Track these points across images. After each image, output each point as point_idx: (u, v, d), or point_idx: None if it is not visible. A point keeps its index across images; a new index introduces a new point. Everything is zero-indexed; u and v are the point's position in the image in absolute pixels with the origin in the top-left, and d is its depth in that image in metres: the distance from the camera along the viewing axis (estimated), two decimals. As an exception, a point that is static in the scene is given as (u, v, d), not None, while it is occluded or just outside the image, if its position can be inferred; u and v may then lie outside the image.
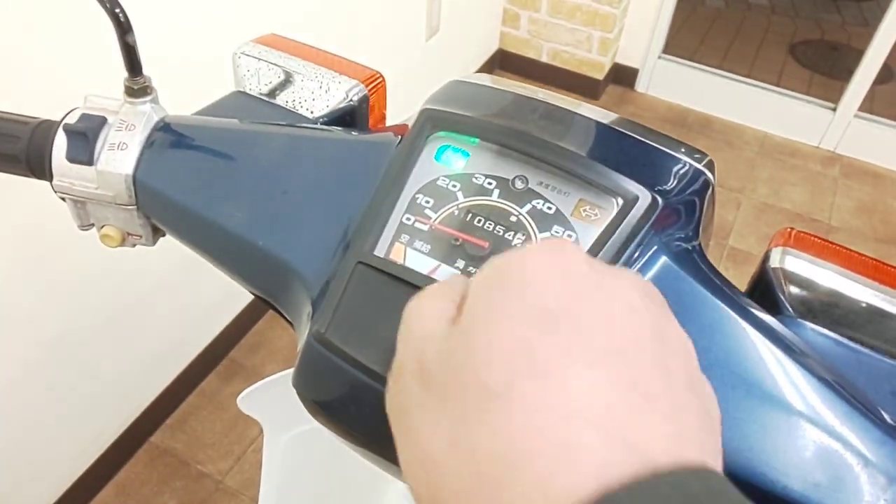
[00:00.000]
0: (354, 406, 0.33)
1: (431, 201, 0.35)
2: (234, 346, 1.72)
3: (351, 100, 0.43)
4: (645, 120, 2.52)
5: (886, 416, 0.31)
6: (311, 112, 0.43)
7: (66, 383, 1.26)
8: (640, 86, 2.60)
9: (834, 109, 2.40)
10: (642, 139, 0.37)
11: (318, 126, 0.42)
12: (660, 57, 2.54)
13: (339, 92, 0.43)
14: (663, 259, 0.33)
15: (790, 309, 0.34)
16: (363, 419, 0.33)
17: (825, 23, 3.16)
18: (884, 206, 2.27)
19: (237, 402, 0.55)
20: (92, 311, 1.24)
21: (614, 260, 0.32)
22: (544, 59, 2.51)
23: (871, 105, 2.41)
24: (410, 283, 0.32)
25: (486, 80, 0.41)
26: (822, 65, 2.83)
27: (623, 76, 2.59)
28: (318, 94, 0.43)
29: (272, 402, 0.65)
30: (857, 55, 2.32)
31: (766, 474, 0.29)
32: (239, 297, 1.68)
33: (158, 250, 0.47)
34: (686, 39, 2.83)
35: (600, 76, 2.47)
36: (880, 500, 0.28)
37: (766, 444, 0.30)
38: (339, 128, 0.42)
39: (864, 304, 0.33)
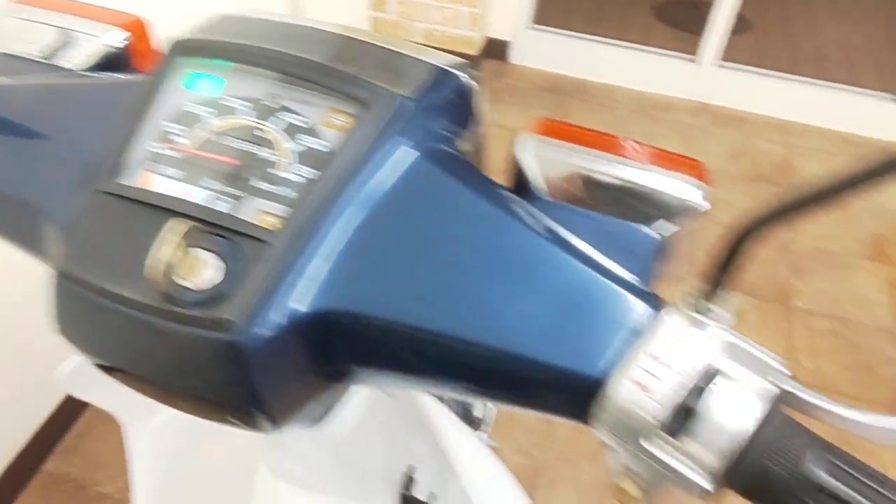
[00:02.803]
0: (115, 335, 0.32)
1: (181, 128, 0.35)
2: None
3: (112, 46, 0.42)
4: (521, 90, 2.57)
5: (627, 273, 0.32)
6: (73, 63, 0.42)
7: (-68, 419, 1.18)
8: (514, 58, 2.65)
9: (695, 61, 2.52)
10: (394, 48, 0.38)
11: (77, 73, 0.41)
12: (530, 27, 2.60)
13: (98, 40, 0.42)
14: (416, 158, 0.34)
15: (539, 191, 0.36)
16: (126, 348, 0.32)
17: (684, -17, 3.30)
18: (752, 148, 2.40)
19: (55, 382, 0.53)
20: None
21: (360, 161, 0.32)
22: (417, 39, 2.53)
23: (732, 54, 2.54)
24: (158, 207, 0.32)
25: (253, 11, 0.41)
26: (684, 21, 2.96)
27: (496, 50, 2.63)
28: (77, 45, 0.42)
29: (111, 385, 0.63)
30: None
31: (525, 343, 0.30)
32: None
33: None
34: (554, 8, 2.90)
35: (474, 52, 2.50)
36: (625, 350, 0.30)
37: (526, 318, 0.31)
38: (100, 73, 0.41)
39: (602, 176, 0.35)
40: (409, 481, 0.66)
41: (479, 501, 0.47)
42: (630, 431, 0.29)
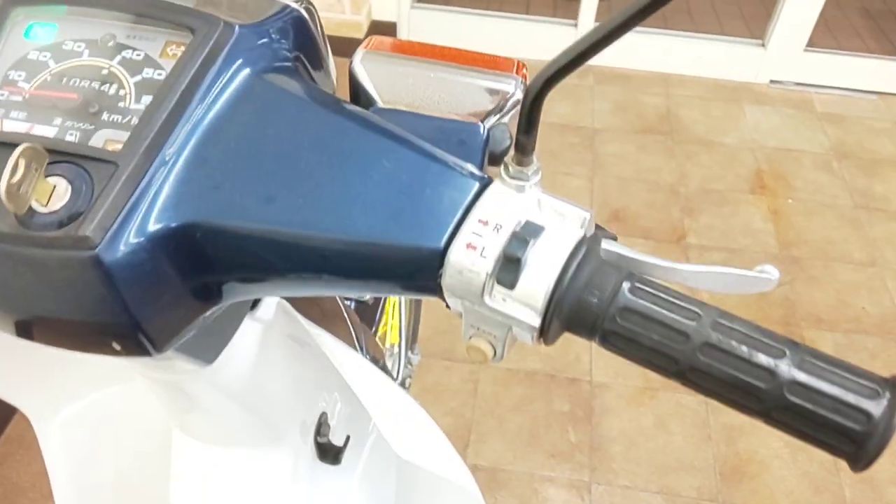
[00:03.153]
0: None
1: (24, 74, 0.36)
2: (35, 382, 1.60)
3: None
4: (412, 68, 2.61)
5: (458, 160, 0.36)
6: None
7: None
8: (402, 37, 2.68)
9: (575, 26, 2.61)
10: None
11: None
12: (413, 7, 2.63)
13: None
14: (247, 76, 0.36)
15: (374, 100, 0.39)
16: None
17: (559, -47, 3.40)
18: (636, 103, 2.52)
19: None
20: None
21: (195, 82, 0.34)
22: (303, 29, 2.52)
23: (607, 16, 2.64)
24: (9, 144, 0.33)
25: None
26: (562, -10, 3.06)
27: (383, 31, 2.65)
28: None
29: (13, 370, 0.62)
30: (583, -27, 2.54)
31: (373, 229, 0.33)
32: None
33: None
34: (436, -12, 2.94)
35: (360, 35, 2.52)
36: (460, 222, 0.33)
37: (369, 206, 0.34)
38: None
39: (431, 80, 0.39)
40: (323, 427, 0.68)
41: (395, 441, 0.50)
42: (471, 290, 0.33)
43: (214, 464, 0.61)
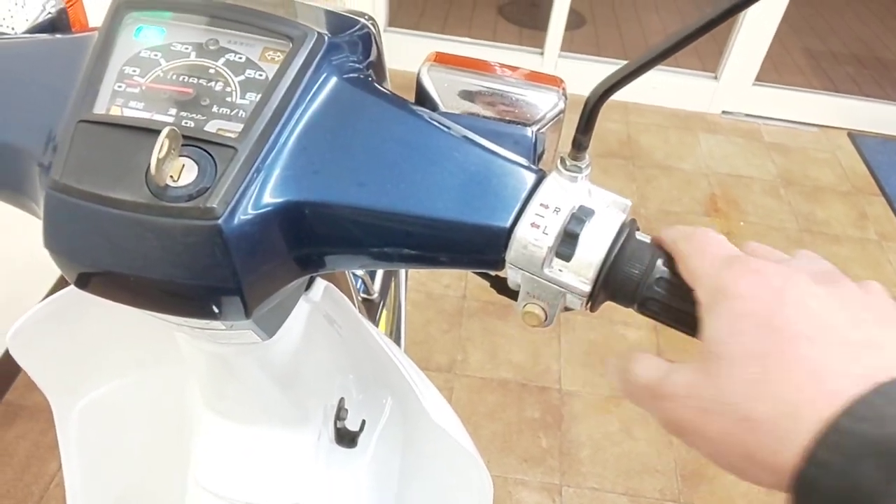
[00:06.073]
0: (106, 239, 0.38)
1: (138, 70, 0.41)
2: (9, 387, 1.59)
3: (49, 12, 0.47)
4: (385, 88, 2.68)
5: (515, 155, 0.43)
6: (13, 29, 0.47)
7: None
8: (375, 59, 2.75)
9: (542, 54, 2.73)
10: (304, 2, 0.47)
11: (21, 35, 0.46)
12: (386, 31, 2.71)
13: (35, 5, 0.47)
14: (336, 81, 0.42)
15: (441, 105, 0.46)
16: (118, 249, 0.38)
17: (522, -16, 3.54)
18: (599, 128, 2.58)
19: (7, 342, 0.56)
20: None
21: (295, 83, 0.40)
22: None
23: (572, 46, 2.77)
24: (136, 128, 0.38)
25: None
26: (526, 20, 3.19)
27: (356, 52, 2.72)
28: (15, 11, 0.47)
29: (50, 354, 0.65)
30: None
31: (450, 210, 0.40)
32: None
33: None
34: (407, 13, 3.03)
35: (335, 55, 2.57)
36: (523, 205, 0.39)
37: (447, 191, 0.40)
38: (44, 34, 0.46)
39: (487, 90, 0.46)
40: (342, 412, 0.73)
41: (433, 409, 0.55)
42: (532, 262, 0.39)
43: (241, 442, 0.65)
